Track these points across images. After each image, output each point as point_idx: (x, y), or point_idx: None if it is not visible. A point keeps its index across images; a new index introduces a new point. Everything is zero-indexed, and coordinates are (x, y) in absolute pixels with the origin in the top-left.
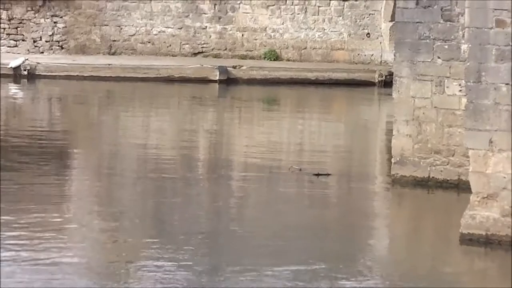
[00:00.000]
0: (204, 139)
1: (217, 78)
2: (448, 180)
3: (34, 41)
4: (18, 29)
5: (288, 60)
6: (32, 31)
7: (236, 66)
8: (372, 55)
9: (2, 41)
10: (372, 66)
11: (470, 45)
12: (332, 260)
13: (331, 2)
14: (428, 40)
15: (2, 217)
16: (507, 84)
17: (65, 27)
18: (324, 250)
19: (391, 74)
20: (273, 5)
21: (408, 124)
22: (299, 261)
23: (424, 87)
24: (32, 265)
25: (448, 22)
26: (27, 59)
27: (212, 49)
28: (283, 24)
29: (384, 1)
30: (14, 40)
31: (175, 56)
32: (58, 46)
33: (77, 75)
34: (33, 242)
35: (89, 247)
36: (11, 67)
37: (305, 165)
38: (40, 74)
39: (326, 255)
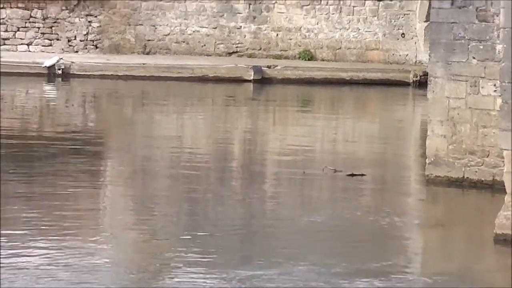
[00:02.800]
0: (238, 139)
1: (252, 77)
2: (482, 181)
3: (69, 40)
4: (53, 28)
5: (322, 60)
6: (67, 31)
7: (270, 65)
8: (406, 55)
9: (36, 40)
10: (406, 66)
11: (505, 46)
12: (366, 259)
13: (366, 2)
14: (463, 41)
15: (34, 216)
16: None
17: (100, 26)
18: (357, 248)
19: (425, 74)
20: (307, 5)
21: (443, 124)
22: (332, 259)
23: (459, 88)
24: (64, 266)
25: (483, 23)
26: (61, 58)
27: (247, 49)
28: (317, 24)
29: (419, 1)
30: (49, 39)
31: (210, 55)
32: (93, 45)
33: (111, 75)
34: (66, 241)
35: (123, 245)
36: (45, 66)
37: (339, 165)
38: (74, 73)
39: (360, 253)
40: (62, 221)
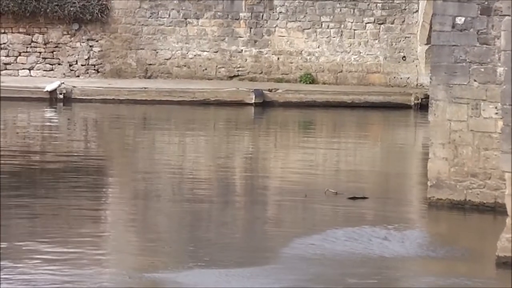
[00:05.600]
0: (240, 163)
1: (253, 101)
2: (484, 203)
3: (70, 65)
4: (54, 53)
5: (324, 83)
6: (68, 55)
7: (272, 89)
8: (408, 78)
9: (38, 64)
10: (408, 89)
11: (506, 68)
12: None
13: (367, 25)
14: (464, 63)
15: (36, 244)
16: None
17: (101, 51)
18: (361, 272)
19: (427, 97)
20: (308, 29)
21: (444, 147)
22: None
23: (460, 110)
24: None
25: (484, 45)
26: (63, 83)
27: (248, 73)
28: (318, 47)
29: (420, 24)
30: (50, 64)
31: (211, 79)
32: (94, 70)
33: (113, 99)
34: (68, 268)
35: (125, 273)
36: (47, 91)
37: (341, 188)
38: (76, 98)
39: (365, 275)
40: (64, 246)
